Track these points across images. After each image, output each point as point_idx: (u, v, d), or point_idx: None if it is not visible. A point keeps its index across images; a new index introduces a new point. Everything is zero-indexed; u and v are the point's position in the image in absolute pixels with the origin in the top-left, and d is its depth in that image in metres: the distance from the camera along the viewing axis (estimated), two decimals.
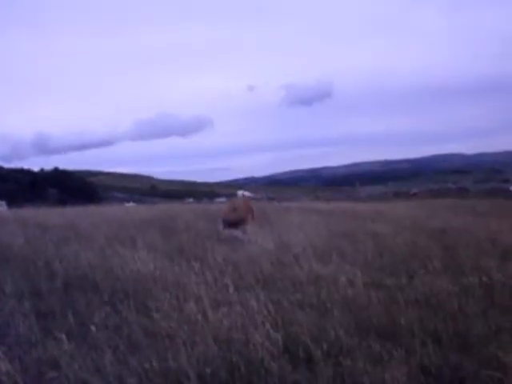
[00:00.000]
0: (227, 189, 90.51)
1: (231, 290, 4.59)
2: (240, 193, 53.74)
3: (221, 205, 27.24)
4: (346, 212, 16.49)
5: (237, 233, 9.59)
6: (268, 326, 3.48)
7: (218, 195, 65.30)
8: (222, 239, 8.97)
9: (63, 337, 3.43)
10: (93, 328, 3.61)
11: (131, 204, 43.18)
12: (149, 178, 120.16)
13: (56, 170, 73.59)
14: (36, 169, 74.26)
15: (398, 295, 4.52)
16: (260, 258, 6.60)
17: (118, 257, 6.51)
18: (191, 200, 54.69)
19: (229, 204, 12.07)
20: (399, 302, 4.34)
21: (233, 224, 10.29)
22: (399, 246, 7.61)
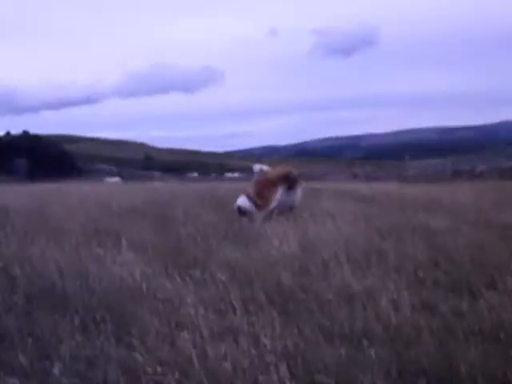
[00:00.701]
0: (241, 161, 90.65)
1: (238, 313, 4.51)
2: (257, 167, 54.07)
3: (233, 184, 27.34)
4: (391, 197, 16.44)
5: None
6: (283, 370, 3.37)
7: (230, 169, 65.39)
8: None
9: None
10: (56, 371, 3.55)
11: (116, 179, 43.46)
12: (142, 146, 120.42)
13: (25, 134, 74.12)
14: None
15: (457, 325, 4.39)
16: (278, 265, 6.51)
17: (96, 260, 6.47)
18: (195, 175, 54.96)
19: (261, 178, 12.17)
20: (458, 334, 4.22)
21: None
22: (459, 251, 7.45)
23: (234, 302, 4.83)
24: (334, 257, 6.88)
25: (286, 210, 11.04)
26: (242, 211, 11.00)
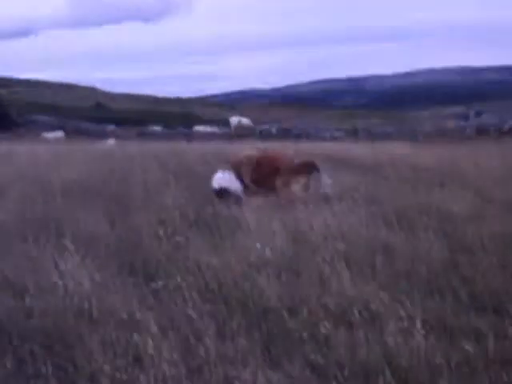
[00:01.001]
0: (213, 109, 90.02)
1: (209, 344, 4.52)
2: (235, 120, 53.27)
3: (205, 145, 27.14)
4: (400, 165, 16.42)
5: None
6: None
7: (200, 121, 64.89)
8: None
9: None
10: None
11: (58, 135, 42.90)
12: (92, 91, 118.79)
13: None
14: None
15: (480, 360, 4.44)
16: (261, 268, 6.53)
17: (29, 265, 6.45)
18: (158, 129, 54.47)
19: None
20: (479, 370, 4.29)
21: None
22: (484, 247, 7.51)
23: (205, 327, 4.85)
24: (329, 254, 6.93)
25: None
26: (223, 194, 10.98)
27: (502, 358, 4.59)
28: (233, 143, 29.29)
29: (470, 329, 5.11)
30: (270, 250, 6.86)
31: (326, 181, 11.54)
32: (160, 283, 6.04)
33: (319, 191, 11.13)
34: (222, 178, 11.21)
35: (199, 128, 50.83)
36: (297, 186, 11.11)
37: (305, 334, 4.83)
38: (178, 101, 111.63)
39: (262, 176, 11.28)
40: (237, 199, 10.69)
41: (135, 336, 4.70)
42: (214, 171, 13.37)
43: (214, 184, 11.15)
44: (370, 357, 4.48)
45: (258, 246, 6.84)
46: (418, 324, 4.87)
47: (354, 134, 39.69)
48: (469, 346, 4.63)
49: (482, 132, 32.93)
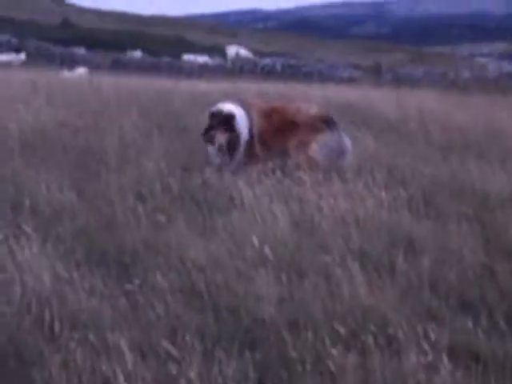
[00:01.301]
0: (207, 36, 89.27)
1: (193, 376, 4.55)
2: (232, 50, 52.88)
3: (199, 84, 26.69)
4: (429, 123, 16.18)
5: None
6: None
7: (190, 48, 64.37)
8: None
9: None
10: None
11: (16, 57, 42.41)
12: (58, 4, 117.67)
13: None
14: None
15: None
16: (258, 273, 6.53)
17: None
18: (138, 54, 54.12)
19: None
20: None
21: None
22: None
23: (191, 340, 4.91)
24: (339, 250, 6.93)
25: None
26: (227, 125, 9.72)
27: None
28: (229, 80, 29.05)
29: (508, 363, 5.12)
30: (268, 245, 6.82)
31: (347, 143, 10.76)
32: (136, 282, 6.03)
33: (338, 157, 10.46)
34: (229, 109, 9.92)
35: (188, 57, 50.21)
36: (317, 148, 10.17)
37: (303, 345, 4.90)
38: (164, 21, 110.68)
39: (272, 132, 10.09)
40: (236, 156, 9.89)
41: (104, 358, 4.72)
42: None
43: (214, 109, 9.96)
44: None
45: (255, 240, 6.79)
46: (445, 356, 4.88)
47: (376, 75, 39.34)
48: None
49: None
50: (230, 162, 9.86)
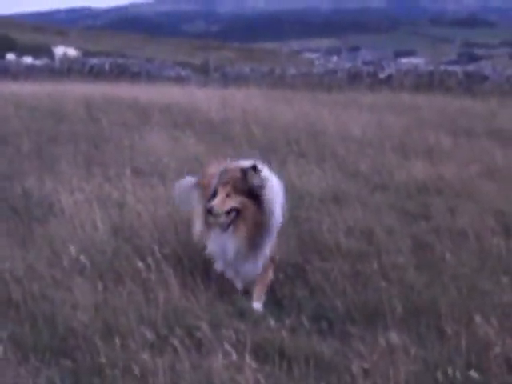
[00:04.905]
0: (33, 35, 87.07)
1: None
2: (60, 50, 51.73)
3: (24, 84, 25.96)
4: (252, 123, 16.24)
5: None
6: None
7: (15, 47, 62.65)
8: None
9: None
10: None
11: None
12: None
13: None
14: None
15: None
16: (75, 276, 6.63)
17: None
18: None
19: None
20: None
21: None
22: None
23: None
24: (155, 265, 7.04)
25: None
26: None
27: None
28: (56, 82, 28.56)
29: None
30: (86, 252, 6.95)
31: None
32: None
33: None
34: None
35: (11, 57, 48.61)
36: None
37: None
38: None
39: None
40: None
41: None
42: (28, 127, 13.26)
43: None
44: None
45: (73, 249, 6.89)
46: (247, 355, 5.15)
47: (204, 73, 39.45)
48: None
49: (355, 78, 32.99)
50: None
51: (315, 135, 15.29)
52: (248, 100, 21.57)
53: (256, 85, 29.21)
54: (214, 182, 6.41)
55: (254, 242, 6.31)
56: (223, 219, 6.23)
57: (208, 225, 6.65)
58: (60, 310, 6.02)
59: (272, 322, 5.76)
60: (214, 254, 6.68)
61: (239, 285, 6.75)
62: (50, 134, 14.39)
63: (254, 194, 6.19)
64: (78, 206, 8.71)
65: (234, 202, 6.18)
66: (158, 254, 6.91)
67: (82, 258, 6.77)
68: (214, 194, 6.23)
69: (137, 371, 4.88)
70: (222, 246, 6.44)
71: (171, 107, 18.86)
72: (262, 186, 6.18)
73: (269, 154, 12.70)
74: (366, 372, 4.97)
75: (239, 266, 6.56)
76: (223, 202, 6.14)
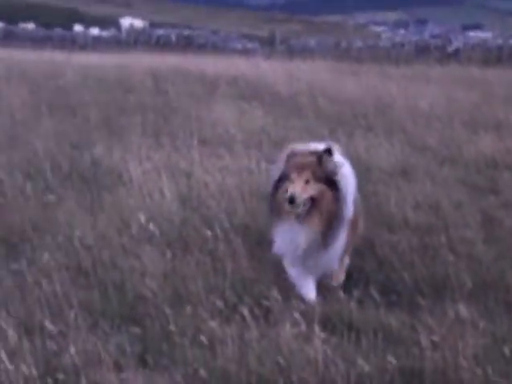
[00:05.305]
0: (100, 7, 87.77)
1: (74, 352, 4.70)
2: (126, 21, 52.15)
3: (91, 54, 26.26)
4: (318, 95, 16.10)
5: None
6: None
7: (83, 19, 63.38)
8: None
9: None
10: None
11: None
12: None
13: None
14: None
15: None
16: (144, 244, 6.69)
17: None
18: (30, 27, 53.02)
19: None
20: None
21: None
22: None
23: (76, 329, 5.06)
24: (224, 235, 7.10)
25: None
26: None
27: None
28: (123, 53, 28.78)
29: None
30: (154, 221, 7.00)
31: None
32: (23, 262, 6.14)
33: None
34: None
35: (79, 29, 49.17)
36: None
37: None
38: None
39: None
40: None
41: None
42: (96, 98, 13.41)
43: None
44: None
45: (142, 217, 6.94)
46: (316, 326, 5.14)
47: (269, 46, 39.28)
48: None
49: (422, 52, 32.52)
50: None
51: (382, 108, 15.05)
52: (314, 73, 21.45)
53: (322, 57, 28.85)
54: (280, 165, 5.83)
55: (328, 235, 5.67)
56: (301, 209, 5.58)
57: (277, 215, 5.83)
58: (129, 277, 6.08)
59: (341, 294, 5.73)
60: (283, 250, 5.96)
61: (311, 286, 6.01)
62: (118, 105, 14.49)
63: (330, 181, 5.62)
64: (146, 176, 8.75)
65: (313, 189, 5.56)
66: (226, 224, 6.94)
67: (151, 226, 6.80)
68: (281, 180, 5.67)
69: (205, 339, 4.88)
70: (292, 240, 5.74)
71: (238, 79, 18.85)
72: (335, 172, 5.64)
73: (336, 126, 12.70)
74: (434, 344, 4.91)
75: (312, 262, 5.90)
76: (304, 190, 5.53)
